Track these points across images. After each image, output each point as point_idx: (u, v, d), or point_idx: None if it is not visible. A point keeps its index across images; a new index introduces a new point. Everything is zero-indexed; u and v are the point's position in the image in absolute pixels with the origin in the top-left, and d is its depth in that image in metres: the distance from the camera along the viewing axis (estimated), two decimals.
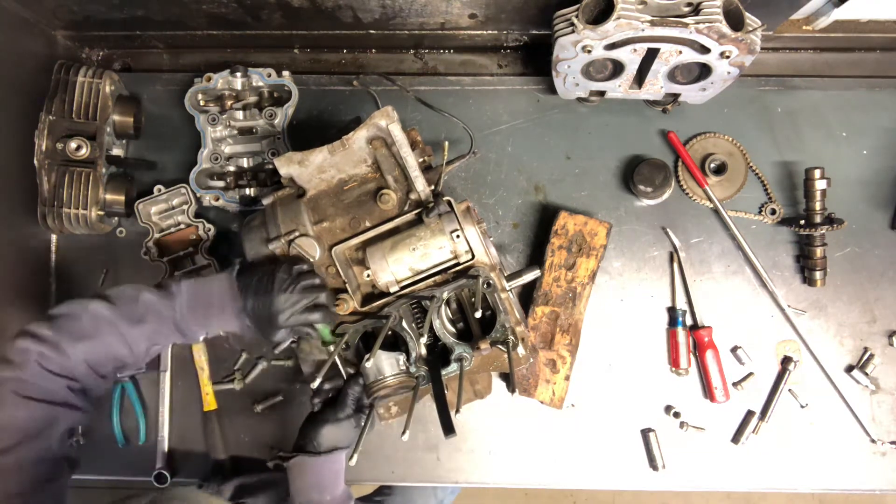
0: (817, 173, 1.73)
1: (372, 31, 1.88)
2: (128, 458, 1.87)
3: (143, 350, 1.38)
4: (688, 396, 1.84)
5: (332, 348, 1.51)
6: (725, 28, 1.44)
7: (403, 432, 1.37)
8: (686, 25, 1.44)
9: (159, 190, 1.86)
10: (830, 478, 1.81)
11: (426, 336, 1.41)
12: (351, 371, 1.57)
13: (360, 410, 1.54)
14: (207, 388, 1.86)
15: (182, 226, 1.86)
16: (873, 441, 1.80)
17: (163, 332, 1.38)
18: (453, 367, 1.50)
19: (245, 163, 1.87)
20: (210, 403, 1.86)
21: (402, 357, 1.50)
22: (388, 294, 1.46)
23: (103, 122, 1.79)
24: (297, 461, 1.47)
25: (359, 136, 1.46)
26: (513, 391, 1.41)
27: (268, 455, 1.85)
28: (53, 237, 1.93)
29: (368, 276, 1.47)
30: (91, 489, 1.87)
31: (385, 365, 1.49)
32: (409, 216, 1.46)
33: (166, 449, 1.86)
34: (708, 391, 1.80)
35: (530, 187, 1.90)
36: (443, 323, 1.50)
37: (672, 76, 1.70)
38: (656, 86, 1.72)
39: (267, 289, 1.38)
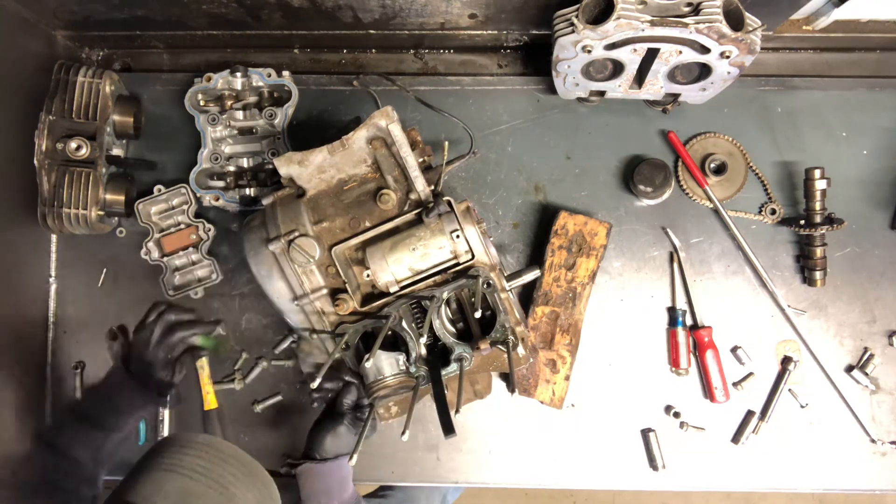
0: (817, 173, 1.73)
1: (372, 31, 1.88)
2: (128, 458, 1.87)
3: (89, 456, 1.47)
4: (688, 396, 1.84)
5: (329, 348, 1.51)
6: (725, 28, 1.44)
7: (403, 432, 1.37)
8: (686, 25, 1.44)
9: (159, 190, 1.86)
10: (830, 478, 1.81)
11: (426, 336, 1.41)
12: (346, 377, 1.58)
13: (357, 414, 1.56)
14: (208, 388, 1.86)
15: (182, 226, 1.86)
16: (873, 441, 1.80)
17: (93, 438, 1.47)
18: (453, 367, 1.50)
19: (245, 163, 1.87)
20: (211, 402, 1.85)
21: (401, 357, 1.50)
22: (388, 294, 1.46)
23: (103, 122, 1.79)
24: (304, 468, 1.49)
25: (358, 136, 1.46)
26: (512, 391, 1.41)
27: (270, 457, 1.85)
28: (53, 237, 1.93)
29: (368, 276, 1.47)
30: None
31: (385, 365, 1.49)
32: (409, 216, 1.46)
33: None
34: (708, 391, 1.80)
35: (530, 187, 1.90)
36: (443, 323, 1.50)
37: (672, 76, 1.70)
38: (656, 86, 1.72)
39: (135, 355, 1.54)
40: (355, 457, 1.41)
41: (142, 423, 1.86)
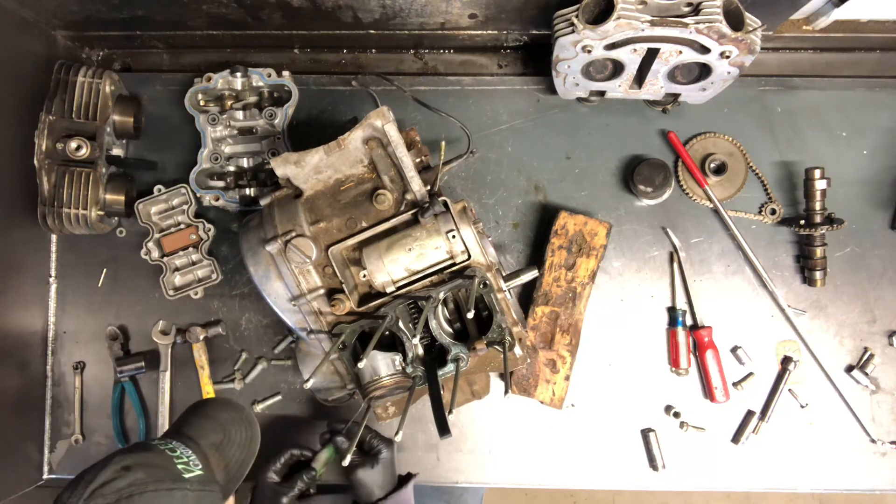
0: (817, 173, 1.73)
1: (372, 31, 1.88)
2: None
3: None
4: (688, 396, 1.84)
5: (326, 348, 1.51)
6: (725, 28, 1.43)
7: (396, 433, 1.37)
8: (686, 25, 1.44)
9: (159, 190, 1.86)
10: (830, 478, 1.81)
11: (420, 336, 1.40)
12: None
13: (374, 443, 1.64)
14: (208, 388, 1.86)
15: (182, 226, 1.87)
16: (873, 441, 1.80)
17: None
18: (450, 367, 1.49)
19: (245, 163, 1.88)
20: None
21: (398, 357, 1.50)
22: (385, 294, 1.46)
23: (103, 122, 1.79)
24: None
25: (354, 137, 1.46)
26: (506, 392, 1.40)
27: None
28: (53, 237, 1.93)
29: (365, 276, 1.46)
30: None
31: (381, 365, 1.48)
32: (406, 216, 1.46)
33: None
34: (708, 391, 1.80)
35: (530, 187, 1.90)
36: (439, 323, 1.50)
37: (672, 76, 1.70)
38: (656, 86, 1.72)
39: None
40: (349, 457, 1.43)
41: (141, 422, 1.87)
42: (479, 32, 1.89)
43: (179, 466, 1.18)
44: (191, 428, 1.34)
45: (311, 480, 1.60)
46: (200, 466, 1.21)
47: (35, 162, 1.74)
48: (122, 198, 1.84)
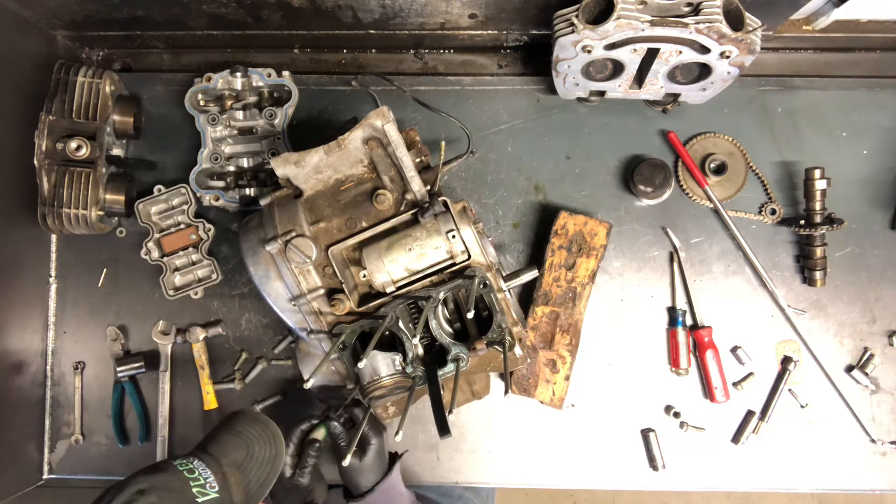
0: (817, 173, 1.73)
1: (372, 31, 1.88)
2: (128, 458, 1.87)
3: None
4: (688, 396, 1.84)
5: (326, 348, 1.51)
6: (725, 28, 1.43)
7: (396, 433, 1.37)
8: (686, 25, 1.44)
9: (159, 190, 1.86)
10: (830, 478, 1.81)
11: (420, 336, 1.40)
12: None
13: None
14: (208, 388, 1.86)
15: (182, 226, 1.87)
16: (873, 441, 1.80)
17: None
18: (450, 367, 1.49)
19: (245, 163, 1.88)
20: (211, 402, 1.86)
21: (398, 357, 1.50)
22: (385, 294, 1.46)
23: (103, 122, 1.79)
24: None
25: (354, 137, 1.46)
26: (506, 392, 1.39)
27: None
28: (53, 237, 1.93)
29: (365, 276, 1.46)
30: (90, 489, 1.87)
31: (381, 365, 1.48)
32: (406, 216, 1.46)
33: (166, 449, 1.86)
34: (708, 391, 1.80)
35: (530, 187, 1.90)
36: (439, 323, 1.49)
37: (672, 76, 1.70)
38: (656, 86, 1.72)
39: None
40: (349, 458, 1.43)
41: (141, 422, 1.86)
42: (479, 32, 1.89)
43: (195, 489, 1.19)
44: (215, 445, 1.34)
45: (318, 451, 1.58)
46: (217, 489, 1.22)
47: (35, 162, 1.74)
48: (122, 198, 1.84)
